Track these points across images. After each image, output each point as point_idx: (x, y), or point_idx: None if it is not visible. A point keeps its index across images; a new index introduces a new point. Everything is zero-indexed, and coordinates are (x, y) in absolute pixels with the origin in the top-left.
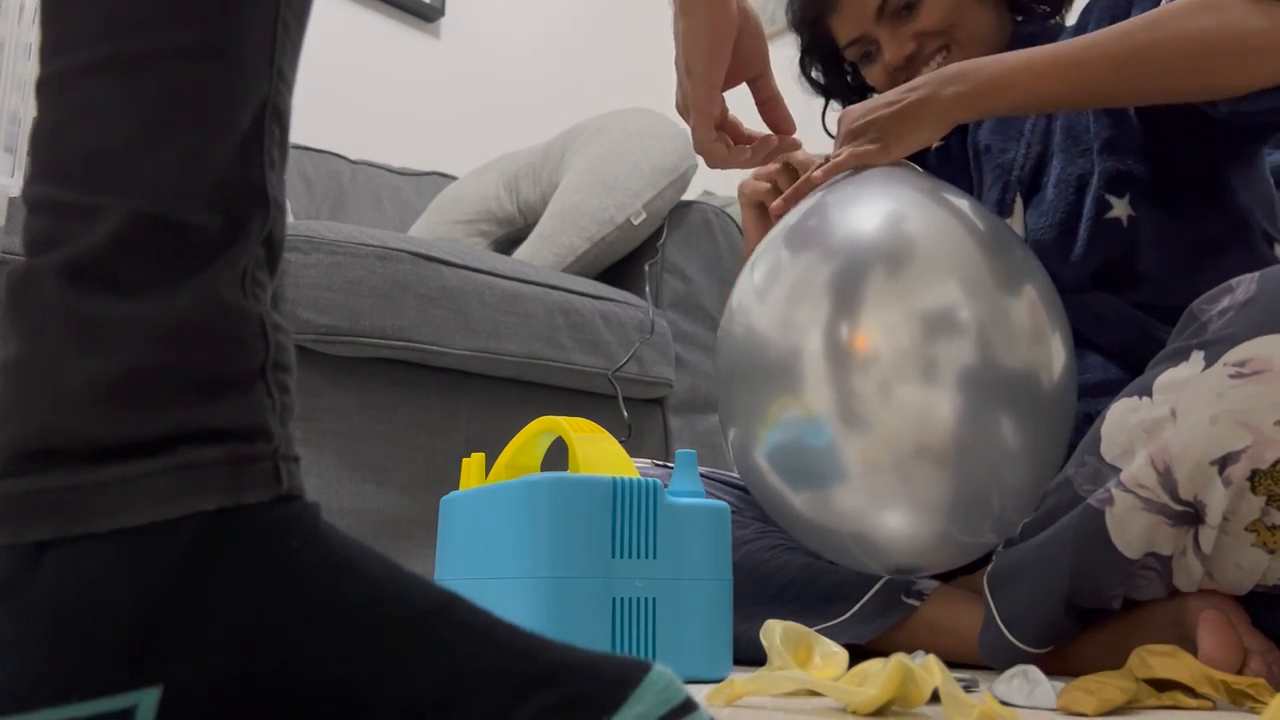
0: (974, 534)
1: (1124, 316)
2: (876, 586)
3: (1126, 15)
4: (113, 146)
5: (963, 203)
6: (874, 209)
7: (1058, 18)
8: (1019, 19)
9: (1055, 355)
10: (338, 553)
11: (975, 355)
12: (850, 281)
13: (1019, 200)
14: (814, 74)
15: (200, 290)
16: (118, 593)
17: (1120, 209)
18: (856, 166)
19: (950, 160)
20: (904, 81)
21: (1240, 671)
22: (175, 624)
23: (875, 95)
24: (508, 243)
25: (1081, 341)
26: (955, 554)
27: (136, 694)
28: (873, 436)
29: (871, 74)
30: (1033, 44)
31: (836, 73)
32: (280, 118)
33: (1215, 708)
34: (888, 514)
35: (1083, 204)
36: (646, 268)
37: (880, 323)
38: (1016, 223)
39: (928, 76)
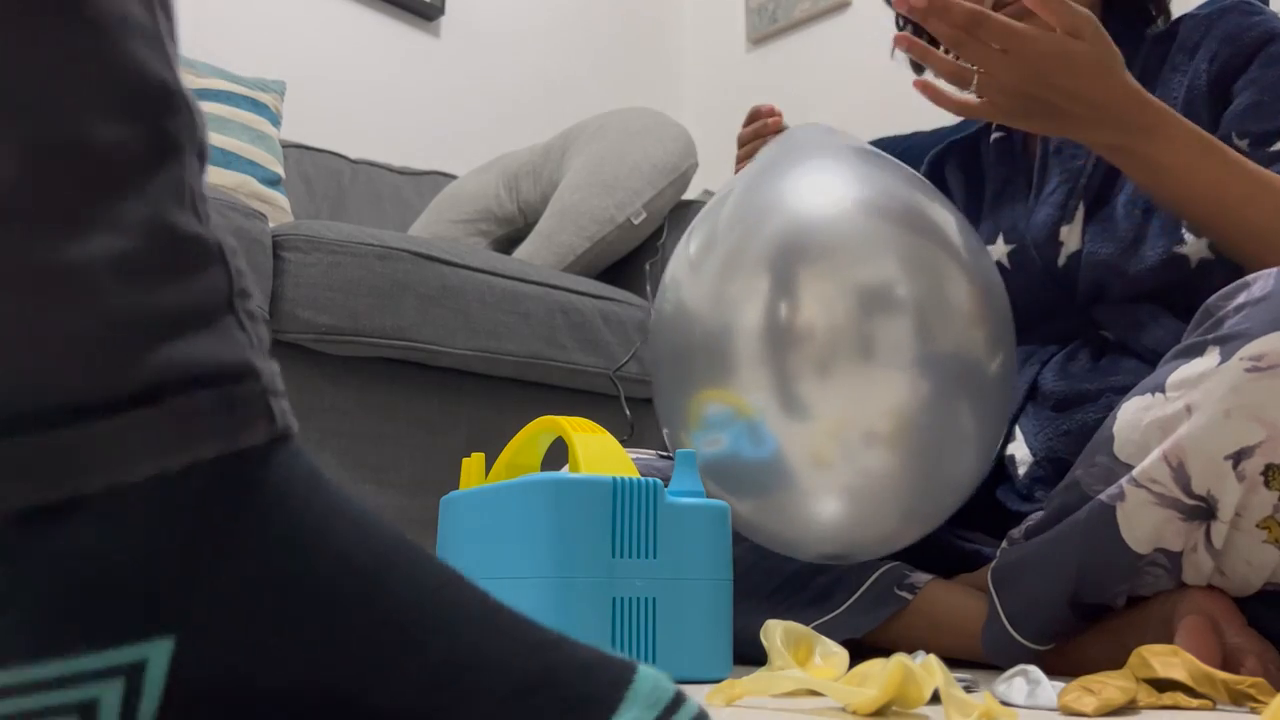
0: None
1: (1164, 324)
2: (870, 580)
3: (1247, 63)
4: None
5: (893, 177)
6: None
7: (1155, 23)
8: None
9: (995, 343)
10: (338, 502)
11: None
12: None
13: (1081, 208)
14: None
15: (142, 218)
16: (118, 553)
17: (1194, 248)
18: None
19: (1011, 155)
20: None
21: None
22: (183, 579)
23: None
24: (508, 242)
25: (1118, 348)
26: (881, 543)
27: (147, 645)
28: (806, 431)
29: None
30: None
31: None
32: (165, 4)
33: (1215, 708)
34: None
35: (1148, 229)
36: (647, 267)
37: (815, 296)
38: (1075, 230)
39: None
